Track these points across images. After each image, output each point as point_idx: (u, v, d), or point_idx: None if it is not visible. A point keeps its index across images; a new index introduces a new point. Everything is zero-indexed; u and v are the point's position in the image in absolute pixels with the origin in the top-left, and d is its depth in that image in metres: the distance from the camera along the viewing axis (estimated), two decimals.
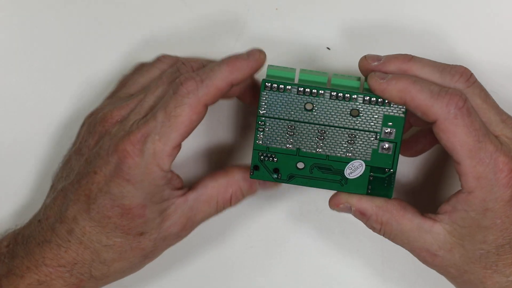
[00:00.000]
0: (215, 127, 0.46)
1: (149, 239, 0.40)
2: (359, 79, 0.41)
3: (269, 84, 0.39)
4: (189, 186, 0.41)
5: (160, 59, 0.43)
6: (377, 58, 0.40)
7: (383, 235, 0.41)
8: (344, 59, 0.45)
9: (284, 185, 0.44)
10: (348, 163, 0.40)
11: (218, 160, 0.47)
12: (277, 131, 0.40)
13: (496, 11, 0.45)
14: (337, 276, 0.46)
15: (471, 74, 0.39)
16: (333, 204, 0.41)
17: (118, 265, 0.40)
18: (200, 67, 0.40)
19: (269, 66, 0.41)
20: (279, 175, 0.41)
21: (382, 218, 0.40)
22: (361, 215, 0.40)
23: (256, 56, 0.39)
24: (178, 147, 0.39)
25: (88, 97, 0.46)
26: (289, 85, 0.39)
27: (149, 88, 0.40)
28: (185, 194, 0.41)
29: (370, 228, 0.41)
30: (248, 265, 0.46)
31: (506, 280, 0.38)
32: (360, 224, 0.45)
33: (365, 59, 0.40)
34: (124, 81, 0.44)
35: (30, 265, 0.39)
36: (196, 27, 0.46)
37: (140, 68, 0.44)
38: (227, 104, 0.46)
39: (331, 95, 0.39)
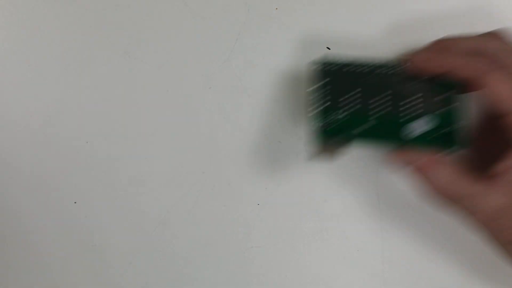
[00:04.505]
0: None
1: None
2: None
3: (326, 67, 0.41)
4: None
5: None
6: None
7: (441, 199, 0.40)
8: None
9: (282, 181, 0.44)
10: (413, 120, 0.41)
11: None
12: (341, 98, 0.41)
13: None
14: (337, 276, 0.46)
15: (504, 34, 0.40)
16: (397, 159, 0.41)
17: None
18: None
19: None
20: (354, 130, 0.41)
21: (440, 182, 0.39)
22: (419, 172, 0.40)
23: None
24: None
25: (89, 99, 0.46)
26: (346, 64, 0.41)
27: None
28: None
29: (424, 187, 0.40)
30: (246, 265, 0.46)
31: None
32: (360, 224, 0.45)
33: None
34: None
35: None
36: (196, 27, 0.46)
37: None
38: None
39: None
